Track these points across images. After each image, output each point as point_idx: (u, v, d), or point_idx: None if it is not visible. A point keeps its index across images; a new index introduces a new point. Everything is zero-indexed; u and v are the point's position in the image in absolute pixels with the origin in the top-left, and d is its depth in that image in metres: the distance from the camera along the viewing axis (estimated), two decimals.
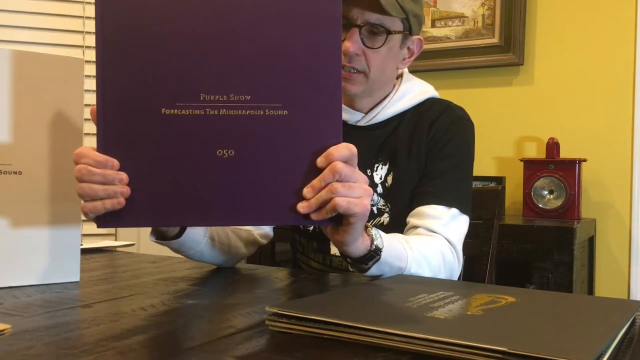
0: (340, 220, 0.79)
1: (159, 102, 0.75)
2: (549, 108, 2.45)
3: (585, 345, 0.55)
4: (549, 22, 2.46)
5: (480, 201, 1.32)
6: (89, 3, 2.37)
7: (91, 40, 2.36)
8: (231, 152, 0.76)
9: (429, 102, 1.20)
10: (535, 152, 2.48)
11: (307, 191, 0.77)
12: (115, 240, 2.34)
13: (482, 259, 1.36)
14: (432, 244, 1.03)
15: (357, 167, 0.79)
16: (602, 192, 2.36)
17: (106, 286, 0.89)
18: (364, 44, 1.09)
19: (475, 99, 2.56)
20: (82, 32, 2.38)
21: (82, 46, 2.38)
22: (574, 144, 2.38)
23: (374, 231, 0.89)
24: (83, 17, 2.38)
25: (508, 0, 2.47)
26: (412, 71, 1.26)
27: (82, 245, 1.07)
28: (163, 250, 1.03)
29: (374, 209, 1.15)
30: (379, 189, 1.16)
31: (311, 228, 1.20)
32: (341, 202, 0.76)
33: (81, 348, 0.57)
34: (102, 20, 0.75)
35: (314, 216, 0.78)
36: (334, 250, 1.15)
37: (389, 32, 1.09)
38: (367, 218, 0.81)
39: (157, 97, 0.75)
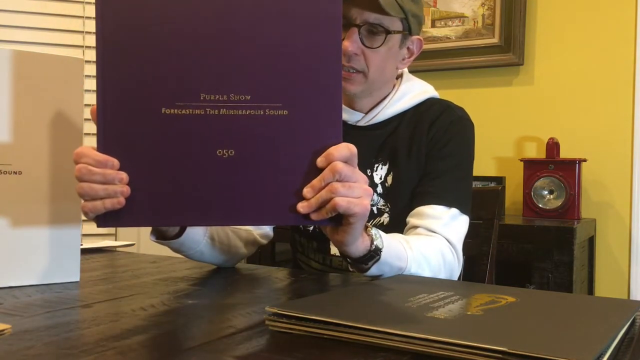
0: (340, 220, 0.79)
1: (159, 102, 0.75)
2: (549, 108, 2.45)
3: (585, 345, 0.55)
4: (549, 22, 2.46)
5: (480, 201, 1.32)
6: (89, 3, 2.37)
7: (91, 40, 2.36)
8: (231, 152, 0.76)
9: (429, 102, 1.20)
10: (535, 152, 2.49)
11: (307, 191, 0.77)
12: (115, 240, 2.34)
13: (482, 259, 1.36)
14: (432, 244, 1.03)
15: (357, 167, 0.79)
16: (602, 192, 2.36)
17: (106, 286, 0.89)
18: (363, 43, 1.09)
19: (475, 99, 2.56)
20: (82, 32, 2.38)
21: (82, 46, 2.38)
22: (574, 144, 2.38)
23: (374, 231, 0.89)
24: (83, 17, 2.38)
25: (508, 0, 2.47)
26: (412, 71, 1.26)
27: (82, 245, 1.07)
28: (163, 250, 1.03)
29: (374, 209, 1.15)
30: (379, 189, 1.16)
31: (311, 228, 1.20)
32: (341, 202, 0.76)
33: (81, 348, 0.57)
34: (102, 20, 0.75)
35: (314, 216, 0.78)
36: (334, 250, 1.15)
37: (388, 32, 1.09)
38: (367, 218, 0.81)
39: (157, 96, 0.75)
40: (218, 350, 0.57)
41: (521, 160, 2.35)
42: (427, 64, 2.57)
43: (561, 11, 2.43)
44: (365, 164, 1.15)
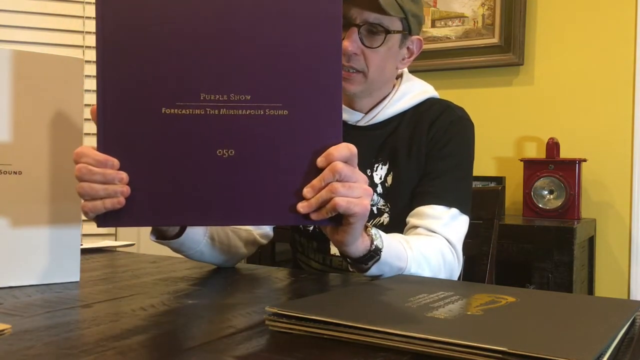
0: (340, 220, 0.79)
1: (159, 102, 0.75)
2: (549, 108, 2.45)
3: (585, 345, 0.55)
4: (549, 22, 2.46)
5: (480, 201, 1.32)
6: (89, 3, 2.37)
7: (91, 40, 2.36)
8: (231, 152, 0.76)
9: (429, 102, 1.20)
10: (535, 152, 2.49)
11: (307, 191, 0.77)
12: (115, 240, 2.34)
13: (482, 259, 1.36)
14: (432, 244, 1.03)
15: (357, 167, 0.79)
16: (602, 192, 2.36)
17: (106, 286, 0.89)
18: (362, 43, 1.09)
19: (475, 99, 2.56)
20: (82, 32, 2.38)
21: (82, 46, 2.38)
22: (574, 144, 2.38)
23: (374, 231, 0.89)
24: (83, 17, 2.38)
25: (508, 0, 2.47)
26: (412, 71, 1.26)
27: (82, 245, 1.07)
28: (163, 250, 1.03)
29: (374, 209, 1.15)
30: (379, 189, 1.16)
31: (311, 228, 1.20)
32: (341, 202, 0.76)
33: (81, 348, 0.57)
34: (103, 20, 0.75)
35: (313, 216, 0.78)
36: (334, 250, 1.15)
37: (387, 32, 1.09)
38: (367, 218, 0.81)
39: (157, 96, 0.75)
40: (218, 350, 0.57)
41: (521, 160, 2.35)
42: (427, 64, 2.57)
43: (561, 11, 2.43)
44: (365, 164, 1.15)
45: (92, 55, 2.32)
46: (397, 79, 1.23)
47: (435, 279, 0.97)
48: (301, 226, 1.21)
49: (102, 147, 0.76)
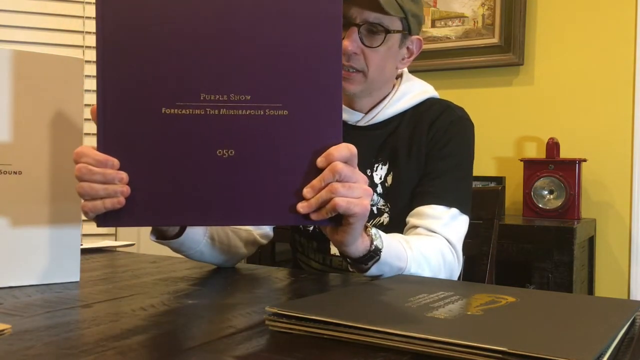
0: (340, 220, 0.79)
1: (159, 102, 0.75)
2: (549, 108, 2.45)
3: (585, 345, 0.55)
4: (549, 22, 2.46)
5: (480, 201, 1.32)
6: (89, 3, 2.37)
7: (91, 40, 2.36)
8: (231, 152, 0.76)
9: (429, 102, 1.20)
10: (535, 152, 2.49)
11: (307, 191, 0.77)
12: (115, 240, 2.34)
13: (482, 259, 1.36)
14: (432, 244, 1.03)
15: (357, 167, 0.79)
16: (602, 192, 2.36)
17: (106, 286, 0.89)
18: (362, 43, 1.09)
19: (475, 99, 2.56)
20: (82, 32, 2.38)
21: (82, 46, 2.38)
22: (574, 144, 2.38)
23: (374, 231, 0.89)
24: (83, 17, 2.38)
25: (508, 0, 2.47)
26: (412, 71, 1.26)
27: (82, 245, 1.07)
28: (163, 250, 1.03)
29: (374, 209, 1.15)
30: (379, 189, 1.16)
31: (311, 228, 1.20)
32: (341, 202, 0.76)
33: (81, 348, 0.57)
34: (103, 20, 0.75)
35: (313, 216, 0.78)
36: (334, 250, 1.15)
37: (387, 31, 1.09)
38: (366, 218, 0.81)
39: (157, 96, 0.75)
40: (218, 350, 0.57)
41: (521, 160, 2.35)
42: (427, 64, 2.57)
43: (561, 11, 2.43)
44: (365, 164, 1.15)
45: (92, 55, 2.32)
46: (397, 79, 1.23)
47: (435, 279, 0.97)
48: (301, 226, 1.21)
49: (102, 147, 0.76)
